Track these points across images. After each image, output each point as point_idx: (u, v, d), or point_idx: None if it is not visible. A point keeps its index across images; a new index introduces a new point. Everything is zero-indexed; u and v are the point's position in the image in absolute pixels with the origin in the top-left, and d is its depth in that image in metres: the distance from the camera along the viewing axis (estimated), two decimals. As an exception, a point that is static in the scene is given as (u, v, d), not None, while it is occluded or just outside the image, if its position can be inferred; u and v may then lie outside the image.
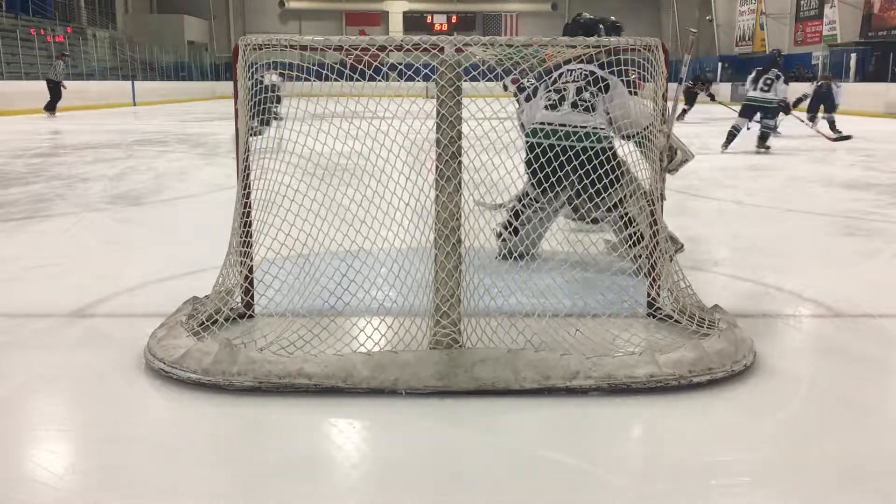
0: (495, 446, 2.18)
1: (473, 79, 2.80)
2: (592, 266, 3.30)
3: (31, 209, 5.99)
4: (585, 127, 3.72)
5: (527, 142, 3.83)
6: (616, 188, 3.54)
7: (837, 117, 13.76)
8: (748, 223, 5.75)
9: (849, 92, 21.61)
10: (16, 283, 3.86)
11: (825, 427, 2.33)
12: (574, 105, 3.83)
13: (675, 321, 3.01)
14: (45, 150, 11.20)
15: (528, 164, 3.77)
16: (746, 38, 36.07)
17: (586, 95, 3.84)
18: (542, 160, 3.63)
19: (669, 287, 3.12)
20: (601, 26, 4.31)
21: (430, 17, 40.97)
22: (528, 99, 4.12)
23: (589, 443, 2.21)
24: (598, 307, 3.12)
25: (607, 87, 3.82)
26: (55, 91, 19.36)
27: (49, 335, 3.06)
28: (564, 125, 3.76)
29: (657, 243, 3.05)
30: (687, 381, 2.50)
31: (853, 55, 26.12)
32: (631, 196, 3.71)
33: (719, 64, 33.74)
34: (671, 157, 3.69)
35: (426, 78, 2.96)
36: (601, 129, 3.75)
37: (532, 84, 4.21)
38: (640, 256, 3.54)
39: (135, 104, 26.50)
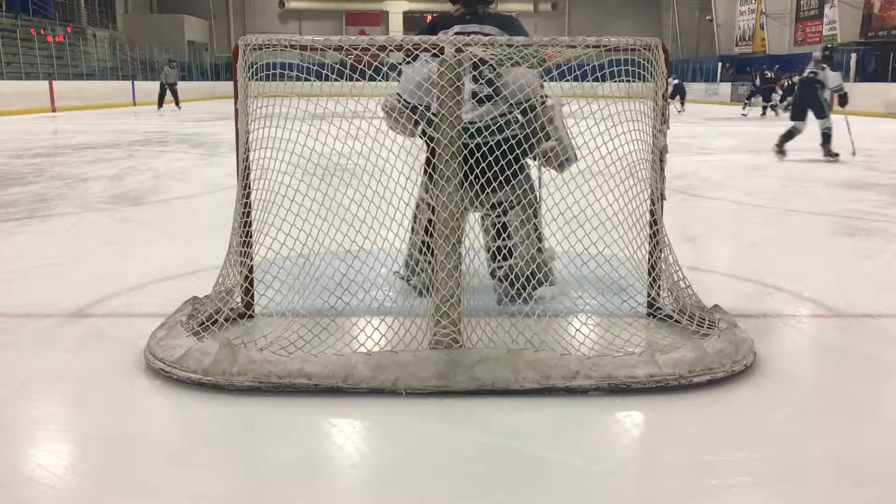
0: (495, 446, 2.18)
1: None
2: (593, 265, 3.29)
3: (31, 209, 5.99)
4: (493, 116, 3.15)
5: (432, 139, 3.00)
6: (510, 188, 3.15)
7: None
8: (748, 223, 5.75)
9: (849, 92, 21.66)
10: (16, 283, 3.86)
11: (825, 427, 2.33)
12: (474, 95, 3.18)
13: (675, 321, 3.01)
14: (45, 150, 11.20)
15: (429, 161, 3.09)
16: (746, 38, 36.07)
17: (486, 72, 3.14)
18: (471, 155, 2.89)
19: (669, 287, 3.12)
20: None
21: (430, 17, 40.84)
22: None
23: (589, 443, 2.21)
24: (598, 307, 3.12)
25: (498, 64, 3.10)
26: (173, 91, 23.24)
27: (49, 335, 3.06)
28: (476, 121, 3.14)
29: (657, 243, 3.05)
30: (687, 381, 2.50)
31: (853, 55, 26.12)
32: (517, 204, 3.25)
33: (719, 64, 33.73)
34: (539, 142, 3.18)
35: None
36: (508, 116, 3.18)
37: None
38: (508, 274, 3.18)
39: (135, 104, 26.50)
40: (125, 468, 2.04)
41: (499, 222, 3.30)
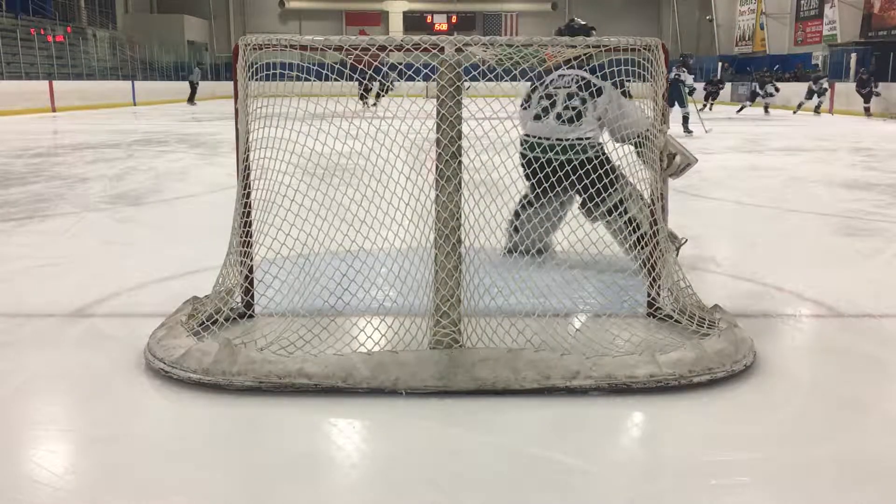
0: (495, 446, 2.18)
1: (473, 79, 2.80)
2: (594, 265, 3.29)
3: (31, 209, 5.99)
4: (570, 139, 3.73)
5: (521, 154, 3.79)
6: (611, 192, 3.56)
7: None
8: (748, 223, 5.75)
9: (848, 92, 21.71)
10: (16, 283, 3.86)
11: (825, 427, 2.33)
12: (559, 116, 3.82)
13: (675, 321, 3.01)
14: (45, 150, 11.20)
15: (524, 167, 3.75)
16: (746, 38, 36.05)
17: (575, 102, 3.81)
18: (535, 167, 3.62)
19: (669, 287, 3.12)
20: (593, 32, 4.34)
21: (430, 17, 40.95)
22: (522, 106, 4.02)
23: (589, 443, 2.21)
24: (598, 307, 3.12)
25: (599, 92, 3.78)
26: (193, 89, 26.44)
27: (49, 335, 3.06)
28: (549, 138, 3.77)
29: (657, 243, 3.05)
30: (687, 380, 2.50)
31: (853, 55, 26.10)
32: (629, 198, 3.68)
33: (719, 64, 33.71)
34: (669, 161, 3.69)
35: (426, 78, 2.97)
36: (587, 138, 3.75)
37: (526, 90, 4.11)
38: (644, 258, 3.47)
39: (135, 104, 26.49)
40: (125, 468, 2.05)
41: (624, 222, 3.68)
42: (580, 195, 3.60)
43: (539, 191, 3.57)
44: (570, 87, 3.87)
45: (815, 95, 21.64)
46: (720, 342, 2.68)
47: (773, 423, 2.34)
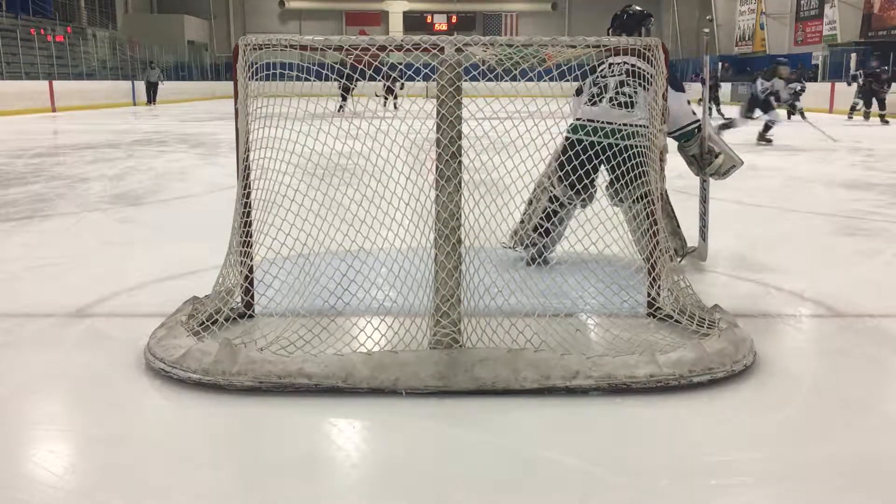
0: (495, 446, 2.18)
1: (473, 79, 2.80)
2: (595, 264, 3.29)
3: (31, 209, 5.99)
4: (628, 125, 3.64)
5: (567, 138, 3.68)
6: (644, 180, 3.42)
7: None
8: (748, 223, 5.75)
9: (848, 91, 21.67)
10: (16, 283, 3.86)
11: (825, 427, 2.33)
12: (612, 100, 3.78)
13: (675, 321, 3.01)
14: (45, 150, 11.21)
15: (562, 164, 3.64)
16: (746, 38, 36.06)
17: (627, 90, 3.77)
18: (583, 157, 3.40)
19: (669, 287, 3.12)
20: (651, 19, 4.31)
21: (430, 17, 40.98)
22: (577, 93, 3.96)
23: (589, 443, 2.21)
24: (598, 307, 3.12)
25: (648, 81, 3.71)
26: (153, 89, 26.48)
27: (49, 335, 3.06)
28: (607, 122, 3.69)
29: (657, 243, 3.05)
30: (687, 380, 2.50)
31: (853, 55, 26.10)
32: (655, 191, 3.66)
33: (719, 64, 33.72)
34: (709, 161, 3.76)
35: (426, 78, 2.97)
36: (642, 125, 3.67)
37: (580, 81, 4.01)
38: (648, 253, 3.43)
39: (135, 104, 26.50)
40: (125, 468, 2.05)
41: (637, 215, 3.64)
42: (612, 174, 3.46)
43: (574, 177, 3.47)
44: (620, 75, 3.81)
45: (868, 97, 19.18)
46: (720, 342, 2.68)
47: (773, 423, 2.34)
